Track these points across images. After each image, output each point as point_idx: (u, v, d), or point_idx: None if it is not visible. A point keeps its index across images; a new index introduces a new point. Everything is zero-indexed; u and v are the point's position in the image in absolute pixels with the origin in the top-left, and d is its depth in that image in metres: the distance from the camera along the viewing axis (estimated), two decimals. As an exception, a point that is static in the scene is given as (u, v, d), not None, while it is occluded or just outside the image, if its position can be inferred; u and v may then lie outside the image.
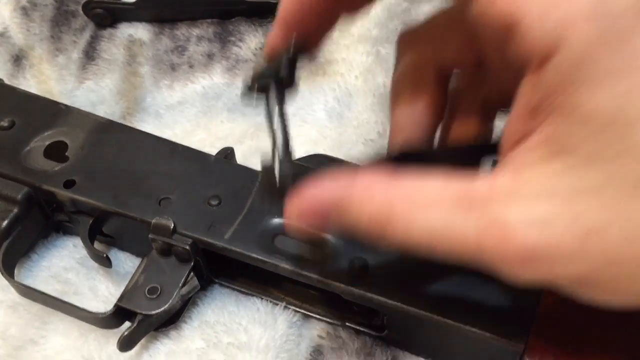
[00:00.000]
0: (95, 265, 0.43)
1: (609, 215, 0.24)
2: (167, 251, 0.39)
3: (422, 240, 0.27)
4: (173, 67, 0.54)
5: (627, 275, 0.25)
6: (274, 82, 0.34)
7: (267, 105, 0.34)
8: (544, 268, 0.25)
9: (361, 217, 0.28)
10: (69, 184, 0.41)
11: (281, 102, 0.34)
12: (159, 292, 0.39)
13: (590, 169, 0.24)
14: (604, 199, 0.24)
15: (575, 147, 0.24)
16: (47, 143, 0.43)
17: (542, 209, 0.24)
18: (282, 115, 0.33)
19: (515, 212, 0.25)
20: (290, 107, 0.50)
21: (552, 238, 0.24)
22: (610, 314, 0.34)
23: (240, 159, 0.45)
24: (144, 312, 0.38)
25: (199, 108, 0.51)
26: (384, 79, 0.51)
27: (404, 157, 0.33)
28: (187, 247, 0.39)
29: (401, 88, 0.35)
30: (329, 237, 0.39)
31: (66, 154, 0.43)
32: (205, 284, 0.42)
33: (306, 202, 0.30)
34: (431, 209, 0.26)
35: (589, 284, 0.25)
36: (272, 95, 0.33)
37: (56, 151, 0.43)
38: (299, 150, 0.46)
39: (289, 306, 0.41)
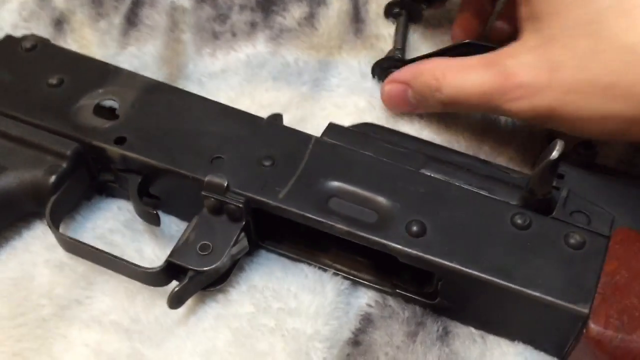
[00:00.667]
0: (141, 227, 0.42)
1: (563, 53, 0.36)
2: (219, 209, 0.39)
3: (462, 93, 0.40)
4: (215, 35, 0.53)
5: (588, 101, 0.36)
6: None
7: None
8: (528, 99, 0.37)
9: (427, 81, 0.42)
10: (119, 141, 0.41)
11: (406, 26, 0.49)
12: (210, 249, 0.38)
13: (547, 24, 0.37)
14: (560, 42, 0.36)
15: (547, 12, 0.37)
16: (97, 101, 0.43)
17: (528, 57, 0.38)
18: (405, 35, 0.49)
19: (513, 61, 0.38)
20: (337, 78, 0.50)
21: (531, 75, 0.37)
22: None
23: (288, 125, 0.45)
24: (195, 268, 0.37)
25: (243, 76, 0.51)
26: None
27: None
28: (241, 205, 0.38)
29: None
30: (384, 200, 0.38)
31: (116, 112, 0.42)
32: (252, 249, 0.41)
33: (395, 77, 0.45)
34: (469, 71, 0.40)
35: (562, 113, 0.37)
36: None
37: (106, 110, 0.43)
38: (348, 118, 0.46)
39: (337, 273, 0.41)
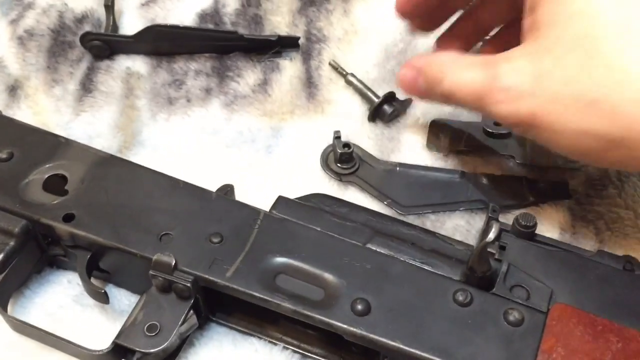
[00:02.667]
0: (91, 302, 0.42)
1: (553, 64, 0.36)
2: (167, 288, 0.39)
3: (458, 89, 0.41)
4: (170, 101, 0.54)
5: (570, 114, 0.36)
6: None
7: None
8: (510, 103, 0.38)
9: (435, 71, 0.43)
10: (68, 218, 0.41)
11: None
12: (158, 329, 0.38)
13: (544, 34, 0.37)
14: (553, 53, 0.36)
15: (548, 23, 0.37)
16: (46, 176, 0.43)
17: (520, 63, 0.38)
18: None
19: (506, 66, 0.38)
20: (290, 144, 0.51)
21: (517, 80, 0.38)
22: (608, 359, 0.35)
23: (240, 197, 0.45)
24: (142, 350, 0.37)
25: (196, 143, 0.52)
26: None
27: None
28: (189, 285, 0.38)
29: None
30: (330, 277, 0.39)
31: (65, 187, 0.43)
32: (202, 322, 0.42)
33: (410, 62, 0.46)
34: (468, 69, 0.41)
35: (542, 122, 0.37)
36: None
37: (55, 184, 0.43)
38: (300, 186, 0.47)
39: (287, 347, 0.41)
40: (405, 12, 0.49)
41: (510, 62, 0.38)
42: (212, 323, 0.42)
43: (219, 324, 0.42)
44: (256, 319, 0.42)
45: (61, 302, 0.43)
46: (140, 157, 0.50)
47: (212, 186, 0.44)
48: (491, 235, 0.36)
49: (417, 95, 0.46)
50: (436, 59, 0.44)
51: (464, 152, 0.50)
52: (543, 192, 0.48)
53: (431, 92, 0.44)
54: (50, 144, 0.45)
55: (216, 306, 0.42)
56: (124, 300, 0.43)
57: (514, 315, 0.37)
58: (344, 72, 0.54)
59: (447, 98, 0.43)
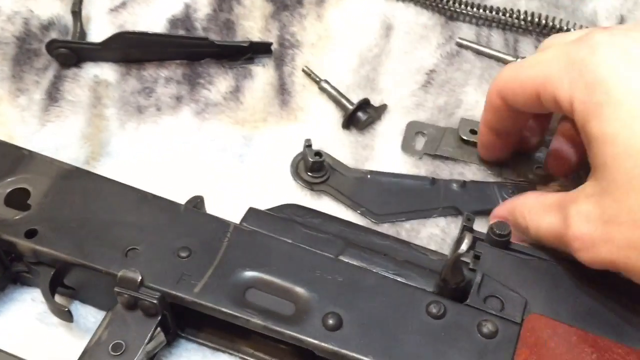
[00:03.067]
0: (56, 320, 0.41)
1: (617, 207, 0.34)
2: (133, 305, 0.38)
3: (542, 235, 0.40)
4: (140, 110, 0.53)
5: None
6: None
7: None
8: (587, 252, 0.36)
9: (518, 220, 0.42)
10: (30, 234, 0.40)
11: None
12: (123, 348, 0.37)
13: (602, 175, 0.35)
14: (613, 195, 0.35)
15: (599, 164, 0.36)
16: (8, 190, 0.42)
17: (585, 207, 0.36)
18: None
19: (573, 209, 0.37)
20: (262, 153, 0.50)
21: (587, 228, 0.36)
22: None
23: (210, 207, 0.44)
24: (107, 372, 0.36)
25: (166, 153, 0.50)
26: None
27: None
28: (155, 301, 0.37)
29: None
30: (302, 290, 0.38)
31: (28, 202, 0.41)
32: (171, 339, 0.40)
33: (495, 213, 0.45)
34: (545, 213, 0.39)
35: (626, 267, 0.35)
36: None
37: (18, 199, 0.42)
38: (273, 196, 0.46)
39: (258, 362, 0.40)
40: (490, 159, 0.49)
41: (577, 204, 0.36)
42: (182, 339, 0.41)
43: (188, 340, 0.41)
44: (227, 334, 0.41)
45: (25, 321, 0.42)
46: (108, 168, 0.49)
47: (182, 197, 0.43)
48: (463, 247, 0.35)
49: (518, 241, 0.43)
50: (517, 205, 0.42)
51: (439, 157, 0.50)
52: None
53: (524, 236, 0.42)
54: (13, 157, 0.43)
55: (185, 321, 0.41)
56: (90, 317, 0.42)
57: (487, 327, 0.36)
58: (318, 79, 0.53)
59: (536, 242, 0.41)
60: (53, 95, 0.53)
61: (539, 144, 0.49)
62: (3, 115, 0.52)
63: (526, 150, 0.49)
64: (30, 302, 0.42)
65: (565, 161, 0.46)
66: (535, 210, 0.40)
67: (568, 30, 0.56)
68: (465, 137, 0.49)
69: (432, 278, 0.39)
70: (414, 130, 0.51)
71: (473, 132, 0.50)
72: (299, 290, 0.38)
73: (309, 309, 0.37)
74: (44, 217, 0.40)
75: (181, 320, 0.41)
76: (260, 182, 0.49)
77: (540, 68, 0.39)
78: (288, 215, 0.43)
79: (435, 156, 0.50)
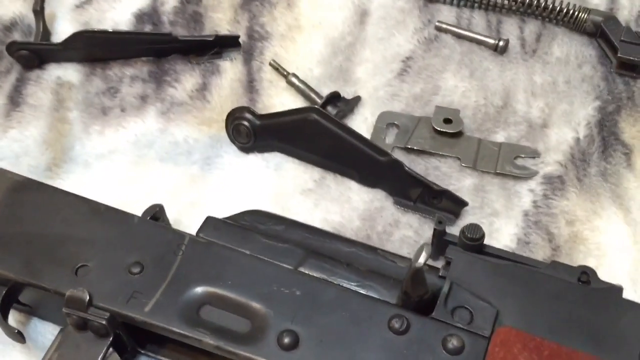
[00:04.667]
0: (11, 340, 0.40)
1: None
2: (82, 326, 0.36)
3: None
4: (104, 111, 0.51)
5: None
6: None
7: None
8: None
9: None
10: (-24, 253, 0.38)
11: None
12: (74, 372, 0.36)
13: None
14: None
15: None
16: (-46, 207, 0.40)
17: None
18: None
19: None
20: (230, 155, 0.48)
21: None
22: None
23: (172, 214, 0.43)
24: (56, 398, 0.35)
25: (131, 157, 0.49)
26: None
27: None
28: (104, 322, 0.36)
29: None
30: (258, 306, 0.36)
31: (-23, 218, 0.40)
32: (129, 357, 0.39)
33: None
34: None
35: None
36: None
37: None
38: (239, 200, 0.44)
39: (220, 378, 0.39)
40: None
41: None
42: (142, 357, 0.40)
43: (149, 357, 0.40)
44: (189, 349, 0.39)
45: (-20, 341, 0.40)
46: (71, 174, 0.48)
47: (145, 204, 0.41)
48: (421, 260, 0.33)
49: None
50: None
51: (410, 150, 0.47)
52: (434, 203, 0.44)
53: None
54: (-38, 170, 0.42)
55: (147, 337, 0.39)
56: (48, 335, 0.41)
57: (452, 343, 0.34)
58: (285, 73, 0.51)
59: None
60: (15, 100, 0.51)
61: None
62: (-37, 123, 0.50)
63: None
64: (-15, 321, 0.41)
65: None
66: None
67: (555, 9, 0.53)
68: (438, 128, 0.47)
69: (396, 289, 0.37)
70: (385, 121, 0.48)
71: (448, 121, 0.47)
72: (255, 305, 0.36)
73: (265, 326, 0.35)
74: (-8, 235, 0.39)
75: (141, 338, 0.39)
76: (228, 186, 0.47)
77: None
78: (250, 223, 0.41)
79: (410, 150, 0.47)
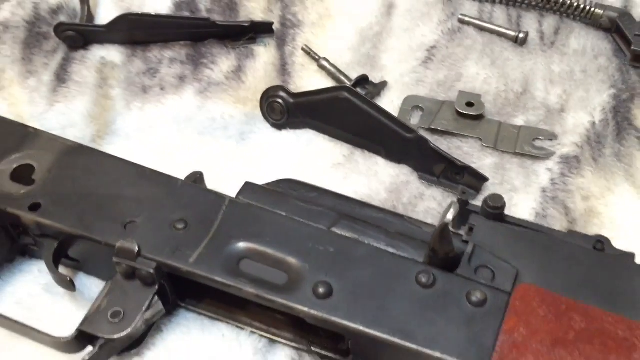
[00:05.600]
0: (61, 291, 0.43)
1: None
2: (131, 275, 0.39)
3: None
4: (144, 90, 0.54)
5: None
6: None
7: None
8: None
9: None
10: (34, 207, 0.41)
11: None
12: (121, 316, 0.38)
13: None
14: None
15: None
16: (14, 166, 0.43)
17: None
18: None
19: None
20: (263, 132, 0.51)
21: None
22: (571, 337, 0.35)
23: (211, 183, 0.45)
24: (105, 337, 0.37)
25: (170, 131, 0.52)
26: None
27: None
28: (152, 271, 0.38)
29: None
30: (294, 260, 0.39)
31: (33, 177, 0.43)
32: (170, 309, 0.42)
33: None
34: None
35: None
36: None
37: (23, 174, 0.43)
38: (273, 172, 0.46)
39: (255, 331, 0.41)
40: None
41: None
42: (181, 309, 0.42)
43: (187, 310, 0.42)
44: (225, 305, 0.42)
45: (31, 291, 0.43)
46: (113, 146, 0.50)
47: (185, 173, 0.44)
48: (449, 216, 0.35)
49: None
50: None
51: (434, 130, 0.50)
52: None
53: None
54: (19, 135, 0.45)
55: (185, 293, 0.42)
56: (94, 288, 0.43)
57: (476, 296, 0.37)
58: (317, 57, 0.54)
59: None
60: (61, 77, 0.54)
61: None
62: (13, 97, 0.54)
63: None
64: (37, 273, 0.44)
65: None
66: None
67: (572, 5, 0.56)
68: (461, 110, 0.49)
69: (423, 249, 0.39)
70: (410, 104, 0.51)
71: (470, 104, 0.50)
72: (291, 260, 0.39)
73: (301, 279, 0.38)
74: (47, 192, 0.42)
75: (181, 292, 0.42)
76: (262, 159, 0.50)
77: None
78: (284, 190, 0.44)
79: (433, 130, 0.50)
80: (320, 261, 0.39)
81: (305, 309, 0.37)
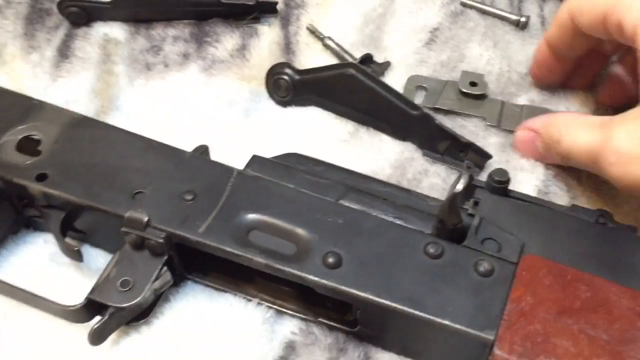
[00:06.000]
0: (67, 261, 0.43)
1: None
2: (140, 245, 0.39)
3: (574, 149, 0.41)
4: (148, 67, 0.54)
5: None
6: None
7: None
8: (622, 167, 0.38)
9: (552, 133, 0.44)
10: (41, 177, 0.41)
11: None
12: (131, 285, 0.38)
13: None
14: None
15: None
16: (20, 137, 0.43)
17: (632, 126, 0.38)
18: None
19: (619, 128, 0.39)
20: (268, 109, 0.51)
21: (628, 143, 0.38)
22: (576, 306, 0.35)
23: (216, 158, 0.45)
24: (115, 305, 0.38)
25: (174, 108, 0.52)
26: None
27: None
28: (161, 241, 0.38)
29: None
30: (302, 232, 0.39)
31: (39, 148, 0.43)
32: (178, 280, 0.42)
33: (528, 124, 0.47)
34: (584, 129, 0.41)
35: None
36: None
37: (28, 145, 0.43)
38: (277, 148, 0.47)
39: (262, 302, 0.41)
40: (540, 80, 0.51)
41: (624, 124, 0.38)
42: (188, 281, 0.43)
43: (195, 282, 0.42)
44: (232, 277, 0.42)
45: (37, 260, 0.43)
46: (117, 121, 0.50)
47: (190, 149, 0.44)
48: (459, 186, 0.36)
49: (535, 159, 0.47)
50: (554, 120, 0.44)
51: (441, 110, 0.50)
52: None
53: (548, 153, 0.45)
54: (24, 106, 0.45)
55: (192, 266, 0.42)
56: (100, 259, 0.43)
57: (484, 266, 0.37)
58: (322, 36, 0.54)
59: (564, 158, 0.43)
60: (64, 52, 0.54)
61: (588, 83, 0.50)
62: (15, 71, 0.53)
63: (580, 85, 0.51)
64: (42, 243, 0.44)
65: (621, 90, 0.48)
66: (574, 126, 0.42)
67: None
68: (464, 90, 0.50)
69: (430, 221, 0.40)
70: (414, 84, 0.51)
71: (473, 84, 0.50)
72: (300, 231, 0.39)
73: (310, 249, 0.38)
74: (54, 162, 0.42)
75: (188, 264, 0.42)
76: (266, 135, 0.50)
77: None
78: (291, 163, 0.44)
79: (437, 109, 0.50)
80: (329, 232, 0.39)
81: (316, 279, 0.37)
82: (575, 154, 0.41)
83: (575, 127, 0.42)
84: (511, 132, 0.49)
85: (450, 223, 0.38)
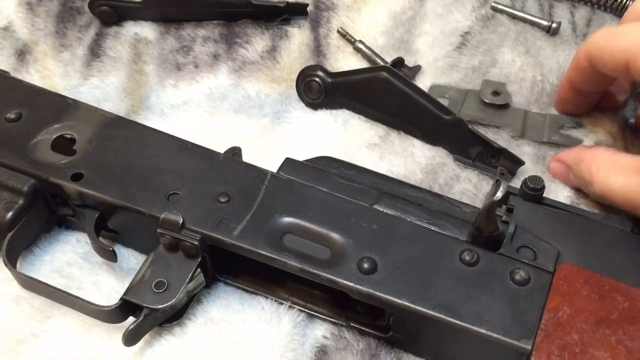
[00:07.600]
0: (99, 260, 0.43)
1: None
2: (174, 246, 0.39)
3: (609, 193, 0.40)
4: (178, 67, 0.54)
5: None
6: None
7: None
8: None
9: (583, 172, 0.42)
10: (76, 177, 0.41)
11: None
12: (165, 286, 0.38)
13: None
14: None
15: None
16: (54, 136, 0.43)
17: None
18: None
19: None
20: (298, 111, 0.51)
21: None
22: (614, 317, 0.35)
23: (247, 160, 0.45)
24: (150, 306, 0.38)
25: (205, 108, 0.52)
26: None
27: None
28: (196, 243, 0.38)
29: None
30: (337, 236, 0.39)
31: (74, 147, 0.43)
32: (210, 282, 0.42)
33: (560, 157, 0.46)
34: (619, 172, 0.40)
35: None
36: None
37: (64, 145, 0.43)
38: (308, 151, 0.47)
39: (293, 306, 0.41)
40: (566, 113, 0.50)
41: None
42: (220, 283, 0.43)
43: (226, 283, 0.42)
44: (263, 280, 0.42)
45: (70, 259, 0.43)
46: (148, 121, 0.50)
47: (220, 150, 0.44)
48: (499, 194, 0.36)
49: (572, 186, 0.46)
50: (585, 156, 0.42)
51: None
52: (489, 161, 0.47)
53: (583, 189, 0.44)
54: (59, 105, 0.45)
55: (223, 268, 0.42)
56: (132, 259, 0.44)
57: (520, 275, 0.37)
58: (353, 39, 0.54)
59: (599, 198, 0.42)
60: (95, 51, 0.54)
61: (623, 104, 0.49)
62: (47, 70, 0.54)
63: (609, 108, 0.50)
64: (75, 242, 0.44)
65: None
66: (607, 168, 0.40)
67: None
68: (487, 100, 0.50)
69: (465, 228, 0.40)
70: (436, 93, 0.51)
71: (496, 93, 0.50)
72: (335, 236, 0.39)
73: (344, 254, 0.38)
74: (89, 162, 0.42)
75: (220, 267, 0.42)
76: (297, 138, 0.50)
77: (633, 39, 0.39)
78: (323, 167, 0.44)
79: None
80: (363, 237, 0.39)
81: (351, 284, 0.37)
82: (611, 198, 0.40)
83: (608, 169, 0.40)
84: (544, 143, 0.49)
85: (487, 230, 0.38)
